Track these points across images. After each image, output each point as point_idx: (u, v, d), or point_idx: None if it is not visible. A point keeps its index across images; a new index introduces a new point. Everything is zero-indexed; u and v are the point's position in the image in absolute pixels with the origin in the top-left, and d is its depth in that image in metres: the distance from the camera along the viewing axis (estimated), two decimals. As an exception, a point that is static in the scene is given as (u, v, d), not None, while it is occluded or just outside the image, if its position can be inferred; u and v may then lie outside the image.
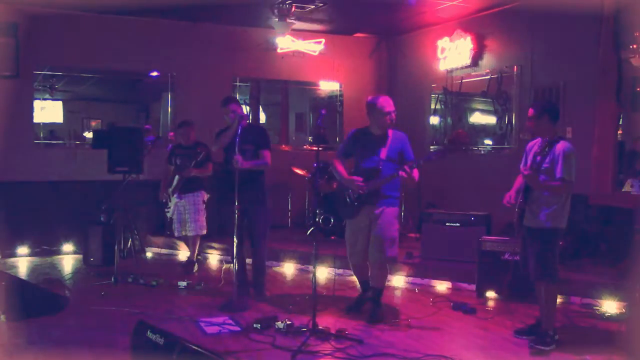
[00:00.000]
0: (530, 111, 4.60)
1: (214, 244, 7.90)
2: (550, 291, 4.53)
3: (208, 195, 7.09)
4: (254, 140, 5.66)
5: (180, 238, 7.36)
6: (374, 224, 5.12)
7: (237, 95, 9.46)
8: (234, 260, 5.50)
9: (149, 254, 8.04)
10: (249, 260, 5.91)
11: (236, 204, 5.28)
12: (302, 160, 8.65)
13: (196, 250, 7.19)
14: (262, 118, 10.73)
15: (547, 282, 4.49)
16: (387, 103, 5.11)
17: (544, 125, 4.53)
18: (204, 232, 7.08)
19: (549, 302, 4.55)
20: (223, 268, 7.15)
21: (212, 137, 5.90)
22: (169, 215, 7.09)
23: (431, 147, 9.03)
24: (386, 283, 5.52)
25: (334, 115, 10.12)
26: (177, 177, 6.92)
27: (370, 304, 5.32)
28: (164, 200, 7.08)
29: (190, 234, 6.99)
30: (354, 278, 6.45)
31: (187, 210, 6.94)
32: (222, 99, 5.81)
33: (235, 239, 5.38)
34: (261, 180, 5.76)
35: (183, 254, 7.76)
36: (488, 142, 8.48)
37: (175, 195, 6.93)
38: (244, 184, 5.48)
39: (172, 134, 8.85)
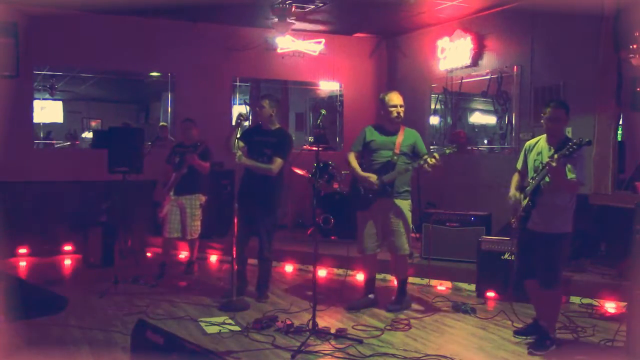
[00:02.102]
0: (561, 113, 4.38)
1: (214, 244, 7.91)
2: (556, 296, 4.52)
3: (206, 197, 6.96)
4: (274, 145, 5.62)
5: (166, 239, 6.90)
6: (389, 217, 5.30)
7: (237, 95, 9.48)
8: (233, 260, 5.51)
9: (148, 254, 8.04)
10: (252, 261, 5.92)
11: (236, 203, 5.30)
12: (302, 160, 8.64)
13: (195, 252, 7.14)
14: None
15: (556, 289, 4.48)
16: (394, 97, 5.36)
17: (565, 127, 4.50)
18: (197, 235, 6.94)
19: (554, 307, 4.53)
20: (223, 268, 7.16)
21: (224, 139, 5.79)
22: (166, 216, 6.81)
23: (431, 147, 9.01)
24: (407, 274, 5.68)
25: (334, 115, 10.12)
26: (174, 175, 6.78)
27: (396, 294, 5.57)
28: (158, 200, 6.93)
29: (187, 237, 6.87)
30: (355, 278, 6.47)
31: (184, 213, 6.75)
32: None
33: (235, 239, 5.39)
34: (274, 185, 5.65)
35: (183, 254, 7.74)
36: (488, 142, 8.47)
37: (170, 193, 6.74)
38: (256, 185, 5.48)
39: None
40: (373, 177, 5.24)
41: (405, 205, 5.34)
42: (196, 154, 6.55)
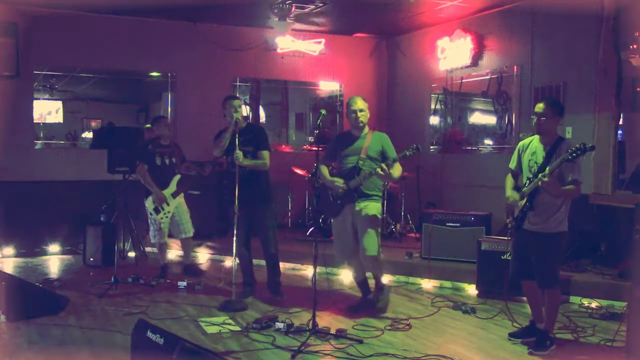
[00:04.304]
0: (544, 108, 4.36)
1: (214, 244, 7.90)
2: (555, 295, 4.52)
3: None
4: (253, 140, 5.64)
5: (163, 244, 6.80)
6: (357, 222, 5.25)
7: (237, 95, 9.46)
8: (234, 260, 5.51)
9: (148, 254, 8.03)
10: (256, 262, 5.92)
11: (236, 203, 5.30)
12: (302, 160, 8.64)
13: (190, 251, 7.12)
14: (262, 118, 10.74)
15: (555, 288, 4.48)
16: (355, 101, 5.30)
17: (553, 125, 4.41)
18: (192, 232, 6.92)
19: (553, 306, 4.52)
20: (223, 268, 7.16)
21: (212, 142, 5.81)
22: (165, 220, 6.63)
23: (431, 147, 9.03)
24: (383, 270, 5.57)
25: (334, 115, 10.12)
26: (177, 178, 6.67)
27: (374, 293, 5.48)
28: (160, 204, 6.58)
29: (186, 235, 6.81)
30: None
31: (179, 212, 6.71)
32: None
33: (235, 239, 5.40)
34: (264, 178, 5.72)
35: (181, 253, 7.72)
36: (488, 142, 8.47)
37: (175, 198, 6.66)
38: (248, 184, 5.48)
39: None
40: (339, 181, 5.24)
41: (372, 208, 5.22)
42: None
